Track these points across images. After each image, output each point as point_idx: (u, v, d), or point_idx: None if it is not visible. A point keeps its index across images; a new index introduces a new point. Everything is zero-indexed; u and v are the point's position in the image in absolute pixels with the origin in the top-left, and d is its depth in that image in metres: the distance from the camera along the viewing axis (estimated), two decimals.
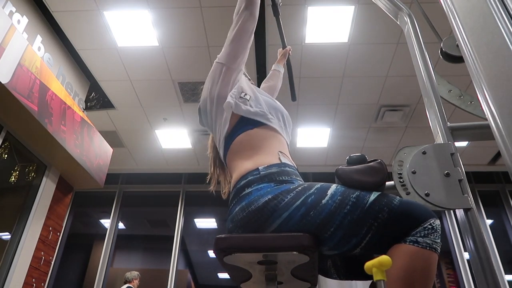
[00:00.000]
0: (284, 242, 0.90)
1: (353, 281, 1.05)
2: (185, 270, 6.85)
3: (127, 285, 4.78)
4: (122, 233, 6.55)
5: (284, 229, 0.93)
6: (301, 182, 1.03)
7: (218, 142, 1.20)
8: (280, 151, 1.12)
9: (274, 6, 1.76)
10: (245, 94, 1.19)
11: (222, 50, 1.24)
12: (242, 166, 1.07)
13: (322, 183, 0.98)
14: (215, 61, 1.25)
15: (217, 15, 3.80)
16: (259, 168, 1.03)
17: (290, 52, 1.88)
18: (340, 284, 2.83)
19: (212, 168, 1.34)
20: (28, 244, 3.60)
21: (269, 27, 3.86)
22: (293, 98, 1.73)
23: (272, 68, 1.84)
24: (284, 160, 1.09)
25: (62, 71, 4.20)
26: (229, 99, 1.16)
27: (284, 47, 1.89)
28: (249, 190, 1.00)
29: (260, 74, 4.37)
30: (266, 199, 0.96)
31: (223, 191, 1.30)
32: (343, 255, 1.04)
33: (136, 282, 4.85)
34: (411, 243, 0.83)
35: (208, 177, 1.33)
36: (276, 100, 1.30)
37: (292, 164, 1.12)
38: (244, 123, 1.14)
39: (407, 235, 0.85)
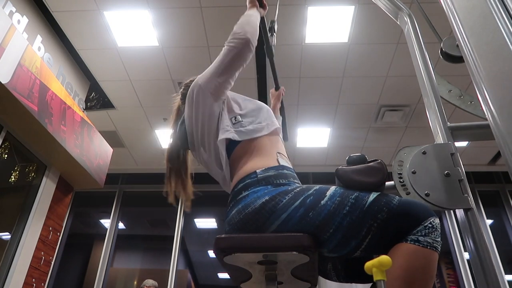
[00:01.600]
0: (284, 242, 0.90)
1: (353, 283, 1.04)
2: (185, 270, 6.85)
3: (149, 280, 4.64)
4: (122, 233, 6.54)
5: (283, 230, 0.93)
6: (298, 184, 1.03)
7: (213, 151, 1.16)
8: (278, 152, 1.12)
9: (268, 48, 1.66)
10: (236, 117, 1.16)
11: (208, 76, 1.16)
12: (241, 170, 1.07)
13: (320, 185, 0.98)
14: (197, 83, 1.17)
15: (217, 15, 3.80)
16: (257, 171, 1.03)
17: (283, 93, 1.79)
18: (340, 285, 2.83)
19: (168, 180, 1.29)
20: (28, 244, 3.60)
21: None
22: (285, 138, 1.63)
23: None
24: (282, 162, 1.09)
25: (62, 71, 4.20)
26: (226, 135, 1.11)
27: (277, 88, 1.79)
28: (246, 193, 1.00)
29: (260, 75, 4.37)
30: (263, 200, 0.95)
31: (179, 206, 1.28)
32: (344, 258, 1.04)
33: None
34: (411, 242, 0.83)
35: (164, 190, 1.28)
36: (256, 100, 1.27)
37: (289, 166, 1.11)
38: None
39: (408, 234, 0.85)
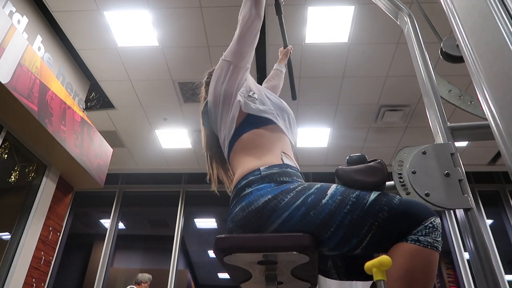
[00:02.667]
0: (284, 242, 0.90)
1: (353, 282, 1.04)
2: (185, 270, 6.85)
3: (130, 286, 4.70)
4: (122, 233, 6.55)
5: (285, 229, 0.93)
6: (301, 182, 1.03)
7: (223, 140, 1.19)
8: (283, 152, 1.12)
9: (277, 5, 1.75)
10: (253, 93, 1.19)
11: (228, 48, 1.24)
12: (244, 166, 1.07)
13: (322, 183, 0.98)
14: (221, 58, 1.25)
15: (217, 15, 3.80)
16: (260, 168, 1.03)
17: (291, 51, 1.87)
18: (340, 284, 2.83)
19: (210, 168, 1.32)
20: (28, 244, 3.60)
21: (269, 27, 3.86)
22: (294, 97, 1.73)
23: (274, 68, 1.83)
24: (286, 161, 1.09)
25: (62, 71, 4.20)
26: (238, 97, 1.16)
27: (285, 46, 1.87)
28: (250, 190, 1.00)
29: (260, 74, 4.37)
30: (266, 199, 0.96)
31: (229, 189, 1.29)
32: (344, 255, 1.04)
33: (144, 285, 4.69)
34: (412, 242, 0.83)
35: (208, 177, 1.31)
36: (282, 100, 1.30)
37: (294, 166, 1.11)
38: (250, 122, 1.14)
39: (408, 234, 0.85)
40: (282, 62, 1.85)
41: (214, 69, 1.39)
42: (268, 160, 1.06)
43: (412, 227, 0.85)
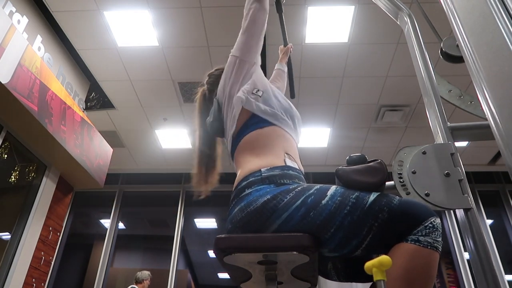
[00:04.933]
0: (284, 242, 0.90)
1: (353, 283, 1.04)
2: (185, 270, 6.85)
3: (131, 286, 4.71)
4: (122, 233, 6.54)
5: (285, 229, 0.93)
6: (300, 184, 1.03)
7: (227, 138, 1.19)
8: (286, 153, 1.10)
9: (278, 3, 1.76)
10: (258, 91, 1.16)
11: (236, 43, 1.23)
12: (245, 166, 1.07)
13: (321, 185, 0.98)
14: (230, 54, 1.24)
15: (217, 15, 3.80)
16: (262, 169, 1.02)
17: (291, 49, 1.86)
18: (340, 284, 2.83)
19: (199, 168, 1.28)
20: (28, 244, 3.60)
21: (269, 27, 3.85)
22: (292, 95, 1.72)
23: (276, 68, 1.81)
24: (289, 162, 1.07)
25: (62, 71, 4.20)
26: (240, 93, 1.15)
27: (285, 44, 1.87)
28: (249, 191, 0.99)
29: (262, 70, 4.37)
30: (265, 199, 0.95)
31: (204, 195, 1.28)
32: (344, 257, 1.04)
33: (146, 283, 4.72)
34: (412, 242, 0.83)
35: (195, 180, 1.28)
36: (290, 102, 1.27)
37: (297, 168, 1.09)
38: (255, 121, 1.13)
39: (408, 234, 0.85)
40: (283, 61, 1.83)
41: (216, 69, 1.38)
42: (270, 161, 1.05)
43: (412, 228, 0.85)
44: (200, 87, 1.43)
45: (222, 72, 1.30)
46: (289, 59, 1.83)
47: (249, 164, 1.06)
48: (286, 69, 1.81)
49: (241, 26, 1.25)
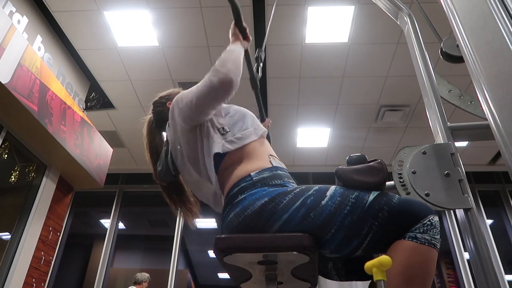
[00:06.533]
0: (284, 242, 0.90)
1: (353, 282, 1.04)
2: (185, 270, 6.85)
3: (131, 287, 4.71)
4: (122, 233, 6.54)
5: (285, 231, 0.93)
6: (296, 185, 1.03)
7: (203, 167, 1.12)
8: (270, 155, 1.12)
9: (253, 80, 1.54)
10: (223, 128, 1.13)
11: (189, 98, 1.10)
12: (234, 174, 1.06)
13: (320, 185, 0.98)
14: (178, 100, 1.15)
15: (217, 15, 3.80)
16: (251, 174, 1.02)
17: (269, 125, 1.68)
18: (340, 284, 2.83)
19: (170, 203, 1.31)
20: (28, 244, 3.60)
21: (269, 27, 3.86)
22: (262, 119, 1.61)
23: None
24: (275, 163, 1.09)
25: (62, 71, 4.20)
26: (219, 148, 1.08)
27: (262, 120, 1.66)
28: (243, 196, 0.99)
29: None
30: (263, 201, 0.95)
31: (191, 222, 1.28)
32: (345, 257, 1.04)
33: (145, 284, 4.72)
34: (410, 239, 0.84)
35: (177, 211, 1.30)
36: (241, 108, 1.24)
37: (283, 167, 1.11)
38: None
39: (407, 232, 0.85)
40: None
41: (160, 97, 1.36)
42: (257, 165, 1.06)
43: (410, 225, 0.86)
44: (147, 116, 1.40)
45: (168, 99, 1.28)
46: (268, 135, 1.71)
47: (237, 171, 1.06)
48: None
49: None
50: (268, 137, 1.62)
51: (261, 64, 1.59)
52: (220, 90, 1.05)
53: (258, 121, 1.22)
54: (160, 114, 1.35)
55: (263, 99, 4.61)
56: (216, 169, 1.09)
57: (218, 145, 1.08)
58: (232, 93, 1.07)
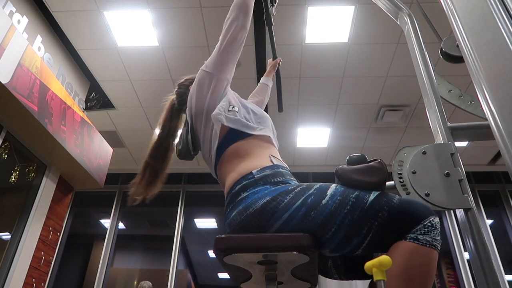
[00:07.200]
0: (284, 242, 0.90)
1: (353, 281, 1.05)
2: (185, 270, 6.85)
3: None
4: (122, 233, 6.54)
5: (286, 230, 0.93)
6: (298, 183, 1.03)
7: (208, 155, 1.19)
8: (271, 155, 1.12)
9: (268, 16, 1.71)
10: (233, 107, 1.18)
11: (210, 58, 1.22)
12: (235, 171, 1.07)
13: (321, 183, 0.98)
14: (201, 69, 1.23)
15: (217, 15, 3.79)
16: (253, 171, 1.03)
17: (280, 63, 1.84)
18: (340, 284, 2.83)
19: (142, 174, 1.35)
20: (28, 244, 3.60)
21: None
22: (280, 109, 1.69)
23: (260, 81, 1.79)
24: (276, 162, 1.09)
25: (62, 71, 4.20)
26: (218, 111, 1.15)
27: (274, 57, 1.84)
28: (246, 194, 1.00)
29: (260, 74, 4.37)
30: (265, 200, 0.96)
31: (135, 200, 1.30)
32: (345, 256, 1.04)
33: None
34: (411, 240, 0.84)
35: (134, 188, 1.33)
36: (262, 111, 1.29)
37: (284, 166, 1.12)
38: (234, 135, 1.14)
39: (408, 233, 0.85)
40: (269, 75, 1.81)
41: (186, 79, 1.38)
42: (258, 163, 1.06)
43: (411, 226, 0.85)
44: (171, 95, 1.43)
45: (191, 83, 1.30)
46: (278, 72, 1.79)
47: (238, 169, 1.07)
48: (270, 84, 1.79)
49: None
50: (277, 73, 1.77)
51: (275, 4, 1.75)
52: (236, 35, 1.22)
53: (270, 127, 1.23)
54: (182, 96, 1.38)
55: None
56: (216, 161, 1.14)
57: (220, 116, 1.14)
58: (245, 33, 1.23)
